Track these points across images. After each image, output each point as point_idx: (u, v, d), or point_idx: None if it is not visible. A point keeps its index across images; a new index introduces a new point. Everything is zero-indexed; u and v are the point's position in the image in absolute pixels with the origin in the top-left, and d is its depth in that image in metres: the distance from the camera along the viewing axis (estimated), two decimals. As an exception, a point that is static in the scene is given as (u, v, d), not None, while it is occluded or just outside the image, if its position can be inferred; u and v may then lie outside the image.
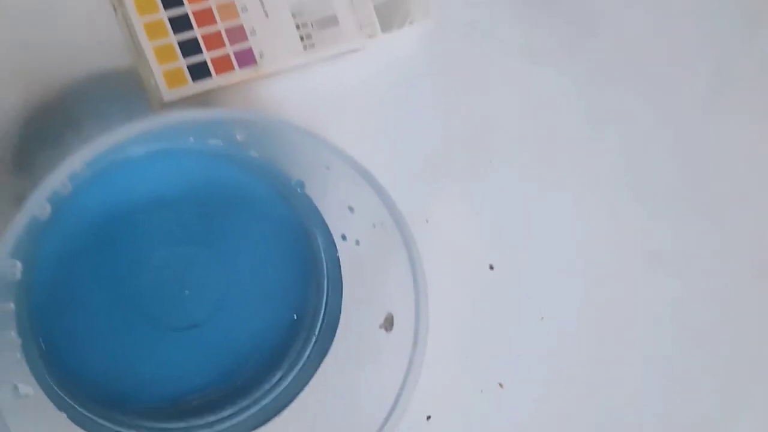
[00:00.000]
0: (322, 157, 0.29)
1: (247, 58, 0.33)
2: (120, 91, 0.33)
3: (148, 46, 0.31)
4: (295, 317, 0.34)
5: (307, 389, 0.34)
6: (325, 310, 0.34)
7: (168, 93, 0.32)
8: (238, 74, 0.33)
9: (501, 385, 0.40)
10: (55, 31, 0.32)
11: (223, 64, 0.33)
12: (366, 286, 0.34)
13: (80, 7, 0.32)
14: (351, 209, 0.32)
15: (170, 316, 0.32)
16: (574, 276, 0.42)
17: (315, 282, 0.35)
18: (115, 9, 0.32)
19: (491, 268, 0.40)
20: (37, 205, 0.24)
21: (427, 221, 0.39)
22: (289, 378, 0.34)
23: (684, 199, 0.44)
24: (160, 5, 0.32)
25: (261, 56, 0.34)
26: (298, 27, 0.34)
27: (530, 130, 0.41)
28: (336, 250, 0.34)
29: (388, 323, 0.31)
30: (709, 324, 0.44)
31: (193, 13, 0.32)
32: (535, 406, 0.40)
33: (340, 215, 0.33)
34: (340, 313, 0.34)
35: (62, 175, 0.24)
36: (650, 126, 0.43)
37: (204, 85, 0.32)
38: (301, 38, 0.35)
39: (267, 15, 0.34)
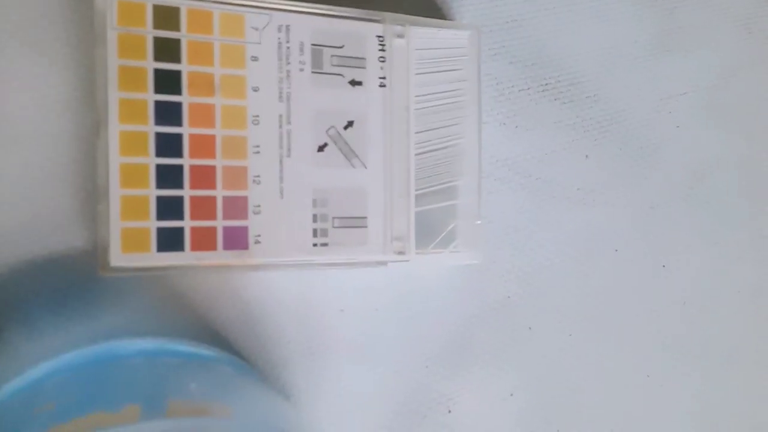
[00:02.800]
0: None
1: (237, 240, 0.26)
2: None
3: (116, 192, 0.24)
4: None
5: None
6: None
7: (118, 257, 0.24)
8: (220, 257, 0.26)
9: None
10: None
11: (205, 240, 0.25)
12: None
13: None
14: None
15: None
16: None
17: None
18: (98, 132, 0.24)
19: None
20: None
21: (449, 411, 0.31)
22: None
23: (758, 359, 0.38)
24: (152, 147, 0.24)
25: (256, 242, 0.26)
26: (315, 218, 0.27)
27: (580, 282, 0.35)
28: None
29: None
30: None
31: (191, 168, 0.25)
32: None
33: None
34: None
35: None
36: (716, 276, 0.37)
37: (170, 258, 0.25)
38: (314, 233, 0.27)
39: (282, 194, 0.27)
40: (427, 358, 0.31)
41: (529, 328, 0.33)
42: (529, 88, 0.34)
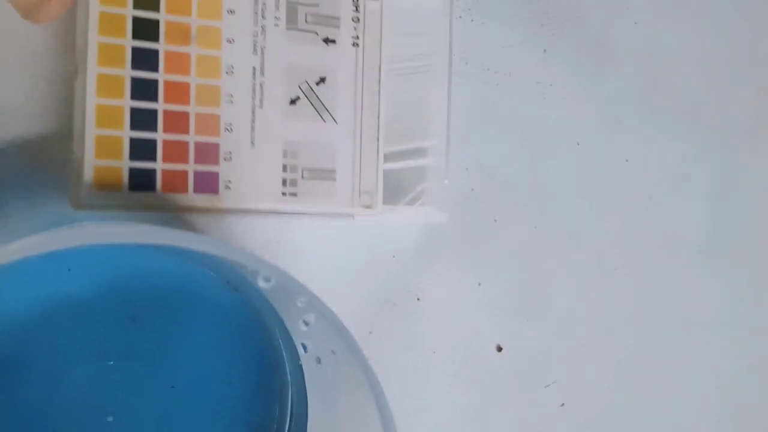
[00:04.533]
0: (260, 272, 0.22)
1: (208, 184, 0.27)
2: (49, 166, 0.27)
3: (91, 132, 0.25)
4: None
5: None
6: (291, 423, 0.28)
7: (91, 194, 0.25)
8: (190, 199, 0.27)
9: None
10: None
11: (176, 182, 0.27)
12: (331, 418, 0.26)
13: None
14: (306, 323, 0.25)
15: None
16: (598, 354, 0.36)
17: (277, 391, 0.28)
18: (76, 74, 0.26)
19: (499, 349, 0.34)
20: None
21: (418, 299, 0.32)
22: None
23: (722, 255, 0.39)
24: (128, 91, 0.26)
25: (226, 187, 0.27)
26: (285, 168, 0.28)
27: (542, 178, 0.35)
28: (298, 356, 0.27)
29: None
30: (762, 394, 0.39)
31: (165, 112, 0.26)
32: None
33: (294, 327, 0.26)
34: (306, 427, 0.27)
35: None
36: (680, 172, 0.38)
37: (140, 198, 0.26)
38: (284, 182, 0.28)
39: (253, 143, 0.28)
40: (394, 250, 0.32)
41: (495, 220, 0.34)
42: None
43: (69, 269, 0.25)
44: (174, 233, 0.20)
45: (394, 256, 0.32)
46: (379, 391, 0.21)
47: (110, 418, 0.25)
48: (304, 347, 0.26)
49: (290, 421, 0.28)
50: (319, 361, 0.25)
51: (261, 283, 0.20)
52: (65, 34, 0.27)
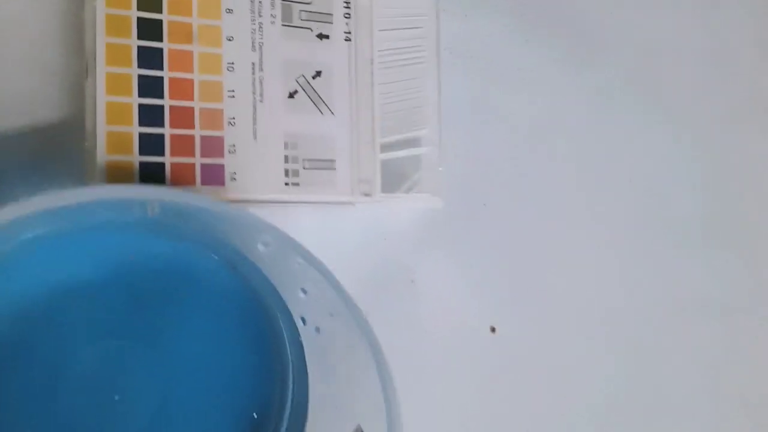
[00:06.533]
0: (260, 237, 0.23)
1: (215, 176, 0.28)
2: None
3: (102, 128, 0.26)
4: (256, 416, 0.28)
5: None
6: (291, 407, 0.29)
7: (105, 187, 0.26)
8: (198, 191, 0.28)
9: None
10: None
11: (184, 175, 0.28)
12: (331, 385, 0.27)
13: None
14: (304, 291, 0.26)
15: (98, 428, 0.26)
16: (590, 334, 0.37)
17: (278, 371, 0.29)
18: (86, 74, 0.27)
19: (493, 330, 0.35)
20: None
21: (412, 281, 0.33)
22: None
23: (712, 238, 0.40)
24: (135, 89, 0.27)
25: (232, 179, 0.28)
26: (286, 159, 0.30)
27: (531, 164, 0.36)
28: (298, 332, 0.28)
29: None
30: (752, 377, 0.40)
31: (171, 108, 0.28)
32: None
33: (292, 296, 0.27)
34: (307, 412, 0.28)
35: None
36: (669, 159, 0.39)
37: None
38: (286, 173, 0.30)
39: (255, 136, 0.29)
40: (390, 235, 0.34)
41: (484, 204, 0.35)
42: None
43: (74, 253, 0.26)
44: (175, 192, 0.21)
45: (388, 240, 0.34)
46: (376, 347, 0.23)
47: (117, 397, 0.26)
48: (303, 321, 0.27)
49: (292, 399, 0.29)
50: (318, 330, 0.26)
51: (260, 248, 0.21)
52: (74, 29, 0.28)
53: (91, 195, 0.20)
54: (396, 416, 0.23)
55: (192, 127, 0.28)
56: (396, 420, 0.23)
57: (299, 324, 0.27)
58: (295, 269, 0.24)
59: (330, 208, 0.32)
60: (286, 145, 0.30)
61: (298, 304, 0.26)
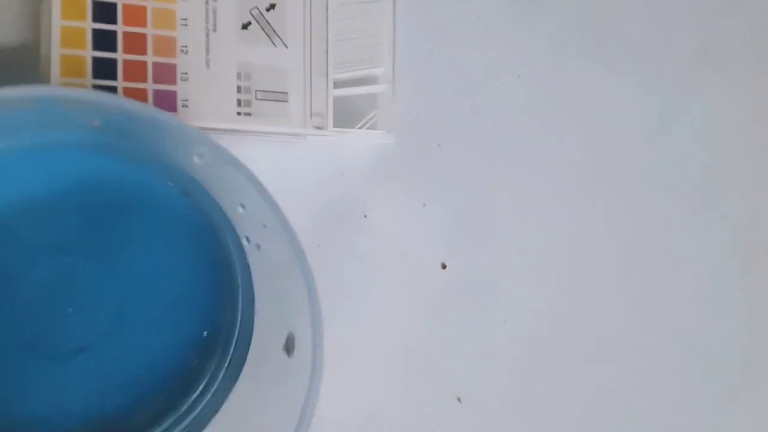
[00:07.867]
0: (196, 150, 0.24)
1: (167, 102, 0.29)
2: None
3: (56, 52, 0.27)
4: (206, 334, 0.30)
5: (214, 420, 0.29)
6: (240, 325, 0.30)
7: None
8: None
9: (459, 399, 0.36)
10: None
11: (136, 99, 0.29)
12: (271, 301, 0.29)
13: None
14: (243, 206, 0.27)
15: (51, 340, 0.28)
16: (539, 273, 0.38)
17: (228, 291, 0.30)
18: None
19: (444, 267, 0.36)
20: None
21: (365, 216, 0.35)
22: (199, 407, 0.30)
23: (662, 185, 0.41)
24: (89, 13, 0.28)
25: (183, 105, 0.30)
26: (239, 89, 0.31)
27: (485, 108, 0.37)
28: (245, 254, 0.29)
29: (290, 345, 0.27)
30: (695, 321, 0.41)
31: (124, 34, 0.29)
32: (498, 423, 0.37)
33: (234, 213, 0.28)
34: (252, 329, 0.30)
35: None
36: (621, 105, 0.40)
37: (104, 112, 0.28)
38: (238, 102, 0.31)
39: (208, 65, 0.30)
40: (343, 170, 0.35)
41: (439, 145, 0.36)
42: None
43: (27, 172, 0.27)
44: (123, 100, 0.23)
45: (342, 175, 0.35)
46: (300, 253, 0.24)
47: (69, 310, 0.28)
48: (248, 239, 0.28)
49: (240, 319, 0.30)
50: (258, 247, 0.27)
51: (195, 160, 0.22)
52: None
53: (31, 91, 0.21)
54: (318, 323, 0.25)
55: (145, 53, 0.29)
56: (318, 327, 0.25)
57: (244, 243, 0.29)
58: (233, 184, 0.25)
59: (283, 141, 0.33)
60: (238, 76, 0.31)
61: (240, 220, 0.28)
